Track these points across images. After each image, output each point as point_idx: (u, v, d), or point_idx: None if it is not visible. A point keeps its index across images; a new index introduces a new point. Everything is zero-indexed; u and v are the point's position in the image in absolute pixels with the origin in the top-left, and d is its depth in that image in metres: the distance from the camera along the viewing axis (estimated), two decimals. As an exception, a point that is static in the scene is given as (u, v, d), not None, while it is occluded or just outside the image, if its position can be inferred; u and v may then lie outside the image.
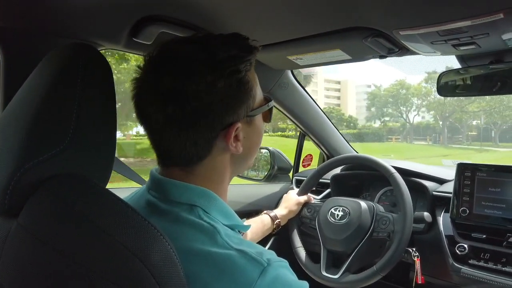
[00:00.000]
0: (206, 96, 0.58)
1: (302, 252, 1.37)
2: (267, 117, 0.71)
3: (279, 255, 0.58)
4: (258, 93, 0.66)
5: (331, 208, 1.31)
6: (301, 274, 1.35)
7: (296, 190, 1.48)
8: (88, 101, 0.56)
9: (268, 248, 1.74)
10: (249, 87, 0.62)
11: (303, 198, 1.43)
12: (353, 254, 1.22)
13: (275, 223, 1.28)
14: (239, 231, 0.65)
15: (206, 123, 0.59)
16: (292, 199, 1.42)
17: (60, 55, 0.59)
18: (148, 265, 0.46)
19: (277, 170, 1.94)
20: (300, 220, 1.41)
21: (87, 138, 0.55)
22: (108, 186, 0.62)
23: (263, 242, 1.75)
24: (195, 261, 0.53)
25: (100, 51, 1.02)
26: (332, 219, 1.28)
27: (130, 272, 0.45)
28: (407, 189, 1.22)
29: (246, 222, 1.21)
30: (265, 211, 1.32)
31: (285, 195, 1.46)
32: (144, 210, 0.62)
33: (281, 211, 1.34)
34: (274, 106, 1.61)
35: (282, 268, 0.55)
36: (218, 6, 0.90)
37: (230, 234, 0.58)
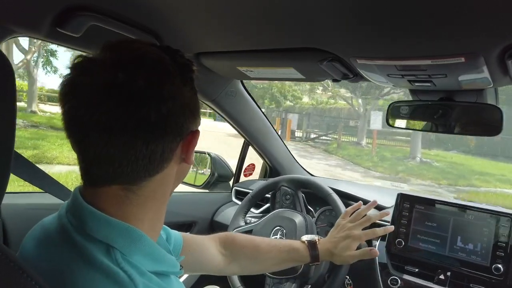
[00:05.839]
0: (179, 98, 0.52)
1: None
2: None
3: None
4: None
5: (270, 233, 1.25)
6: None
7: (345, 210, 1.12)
8: None
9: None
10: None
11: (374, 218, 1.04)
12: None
13: (311, 254, 0.99)
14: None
15: (176, 128, 0.52)
16: (345, 225, 1.04)
17: None
18: None
19: (217, 177, 1.84)
20: None
21: None
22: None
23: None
24: None
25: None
26: None
27: None
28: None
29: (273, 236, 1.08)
30: (306, 237, 1.02)
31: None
32: (57, 236, 0.51)
33: (324, 243, 1.02)
34: (219, 114, 1.52)
35: None
36: (161, 4, 0.78)
37: (152, 287, 0.48)
